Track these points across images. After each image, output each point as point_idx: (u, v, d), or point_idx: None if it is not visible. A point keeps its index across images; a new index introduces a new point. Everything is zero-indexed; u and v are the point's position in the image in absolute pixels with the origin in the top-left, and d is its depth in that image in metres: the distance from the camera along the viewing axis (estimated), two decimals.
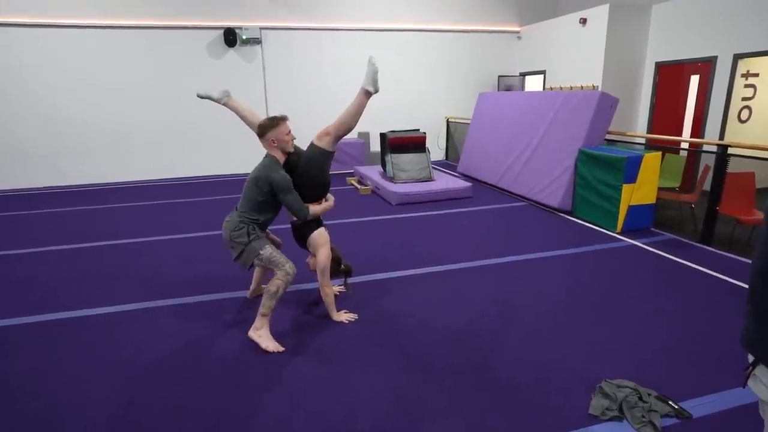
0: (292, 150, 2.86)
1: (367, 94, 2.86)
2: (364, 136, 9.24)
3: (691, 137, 6.65)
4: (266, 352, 2.67)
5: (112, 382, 2.43)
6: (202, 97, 3.23)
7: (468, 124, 8.52)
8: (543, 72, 9.03)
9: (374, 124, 8.83)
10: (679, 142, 5.96)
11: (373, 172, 7.35)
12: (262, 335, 2.74)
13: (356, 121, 2.92)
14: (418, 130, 7.39)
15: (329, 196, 3.04)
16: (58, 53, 7.63)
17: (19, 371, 2.55)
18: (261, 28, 8.38)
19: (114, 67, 7.93)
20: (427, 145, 7.14)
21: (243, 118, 3.16)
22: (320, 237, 2.92)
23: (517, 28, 9.82)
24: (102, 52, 7.82)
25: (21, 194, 7.40)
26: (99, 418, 2.16)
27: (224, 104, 3.21)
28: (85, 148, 8.08)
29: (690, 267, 3.88)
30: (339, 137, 2.92)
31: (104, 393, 2.34)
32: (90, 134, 8.05)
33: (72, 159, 8.05)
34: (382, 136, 7.14)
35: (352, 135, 8.70)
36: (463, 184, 6.64)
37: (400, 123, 9.34)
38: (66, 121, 7.88)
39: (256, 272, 3.26)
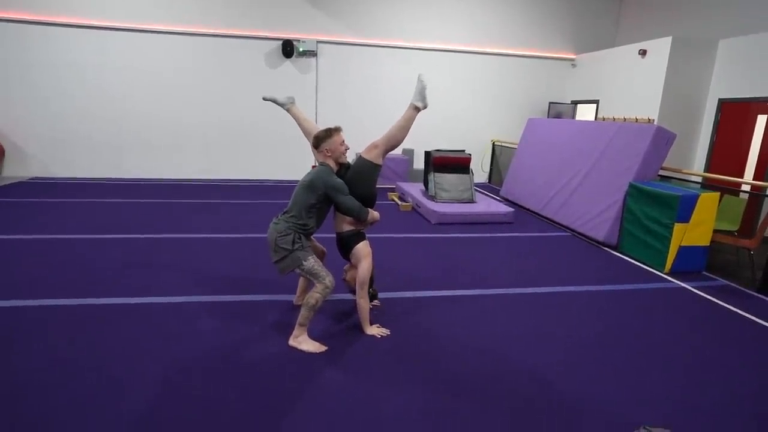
0: (345, 160, 2.96)
1: (416, 110, 3.00)
2: (409, 153, 9.30)
3: (753, 180, 6.29)
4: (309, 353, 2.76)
5: (148, 372, 2.52)
6: (267, 100, 3.38)
7: (514, 148, 8.42)
8: (596, 101, 8.84)
9: (419, 141, 8.88)
10: (740, 184, 5.65)
11: (414, 190, 7.37)
12: (301, 341, 2.82)
13: (404, 136, 3.04)
14: (464, 150, 7.37)
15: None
16: (130, 55, 8.16)
17: (60, 353, 2.69)
18: (318, 42, 8.66)
19: (177, 70, 8.40)
20: (472, 166, 7.10)
21: (301, 126, 3.28)
22: (364, 248, 2.96)
23: (572, 56, 9.69)
24: (168, 56, 8.31)
25: (86, 183, 7.90)
26: (134, 407, 2.24)
27: (287, 110, 3.35)
28: (144, 145, 8.54)
29: (744, 317, 3.64)
30: (387, 151, 3.01)
31: (140, 383, 2.43)
32: (149, 132, 8.51)
33: (132, 154, 8.53)
34: (427, 154, 7.17)
35: (397, 151, 8.78)
36: (504, 208, 6.54)
37: (445, 142, 9.36)
38: (129, 118, 8.38)
39: (302, 280, 3.32)
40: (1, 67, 7.81)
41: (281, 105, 3.34)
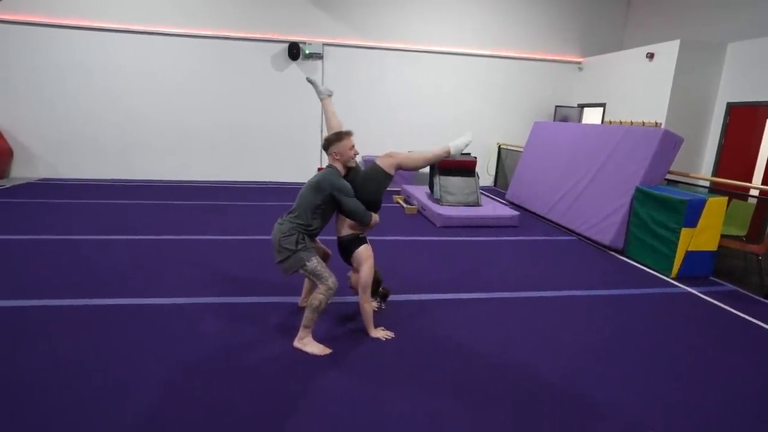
0: (354, 165, 2.98)
1: (447, 153, 3.09)
2: None
3: (762, 184, 6.24)
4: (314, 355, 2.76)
5: (153, 373, 2.52)
6: (309, 81, 3.46)
7: (520, 151, 8.40)
8: (603, 105, 8.80)
9: (424, 144, 8.86)
10: (748, 189, 5.60)
11: (420, 192, 7.36)
12: (306, 343, 2.83)
13: (423, 167, 3.21)
14: (469, 154, 7.35)
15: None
16: (136, 57, 8.22)
17: (66, 354, 2.70)
18: (324, 44, 8.68)
19: (183, 72, 8.45)
20: (477, 169, 7.08)
21: (328, 121, 3.31)
22: (365, 252, 2.95)
23: (579, 59, 9.66)
24: (174, 58, 8.37)
25: (93, 184, 7.95)
26: (139, 409, 2.24)
27: (321, 99, 3.39)
28: (150, 146, 8.59)
29: (752, 323, 3.60)
30: (400, 167, 3.06)
31: (145, 384, 2.43)
32: (155, 133, 8.56)
33: (138, 155, 8.58)
34: None
35: None
36: (510, 212, 6.52)
37: None
38: (135, 120, 8.43)
39: (307, 281, 3.32)
40: (9, 68, 7.88)
41: (318, 93, 3.38)
